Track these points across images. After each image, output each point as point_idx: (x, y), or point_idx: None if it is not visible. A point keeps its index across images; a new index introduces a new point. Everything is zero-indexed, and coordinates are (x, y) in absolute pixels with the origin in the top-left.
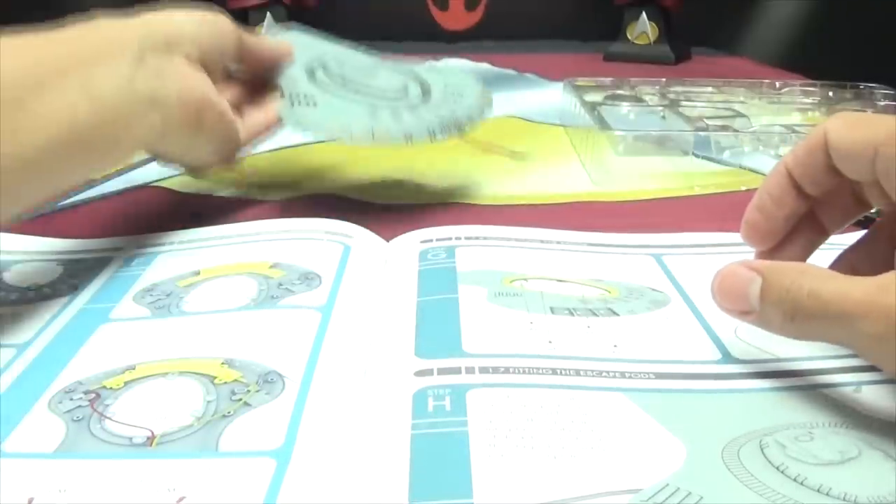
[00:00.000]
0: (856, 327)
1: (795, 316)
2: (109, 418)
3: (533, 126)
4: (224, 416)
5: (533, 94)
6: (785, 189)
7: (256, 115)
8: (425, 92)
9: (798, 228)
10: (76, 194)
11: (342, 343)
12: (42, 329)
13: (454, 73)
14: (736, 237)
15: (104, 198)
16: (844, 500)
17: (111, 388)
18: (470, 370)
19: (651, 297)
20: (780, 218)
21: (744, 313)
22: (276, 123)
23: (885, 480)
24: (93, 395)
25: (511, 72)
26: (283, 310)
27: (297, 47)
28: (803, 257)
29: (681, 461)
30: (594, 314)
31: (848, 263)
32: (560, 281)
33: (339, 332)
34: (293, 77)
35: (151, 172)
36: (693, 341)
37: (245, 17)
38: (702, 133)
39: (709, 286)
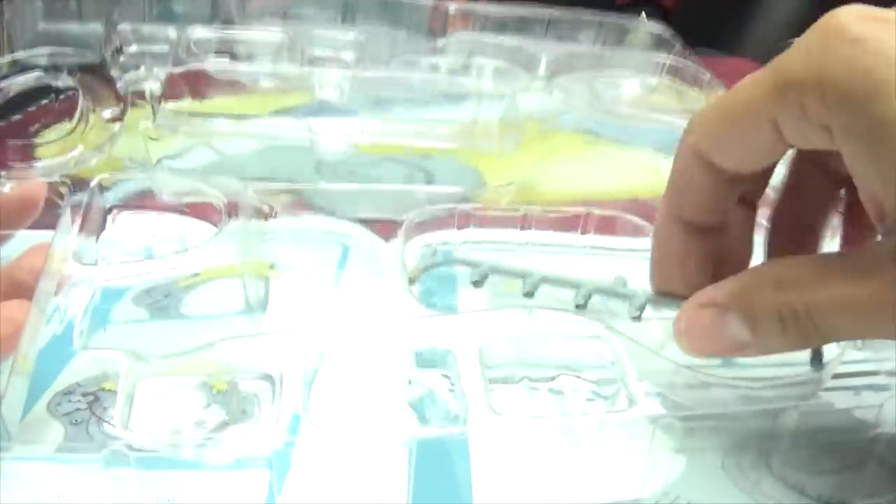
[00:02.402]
0: (875, 327)
1: (806, 336)
2: (108, 422)
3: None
4: (223, 420)
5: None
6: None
7: None
8: (428, 180)
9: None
10: None
11: (342, 346)
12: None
13: None
14: None
15: None
16: None
17: (110, 391)
18: None
19: (650, 300)
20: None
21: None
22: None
23: (885, 489)
24: (91, 398)
25: None
26: (283, 311)
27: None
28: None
29: (681, 469)
30: (593, 318)
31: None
32: (560, 284)
33: (339, 335)
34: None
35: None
36: None
37: None
38: None
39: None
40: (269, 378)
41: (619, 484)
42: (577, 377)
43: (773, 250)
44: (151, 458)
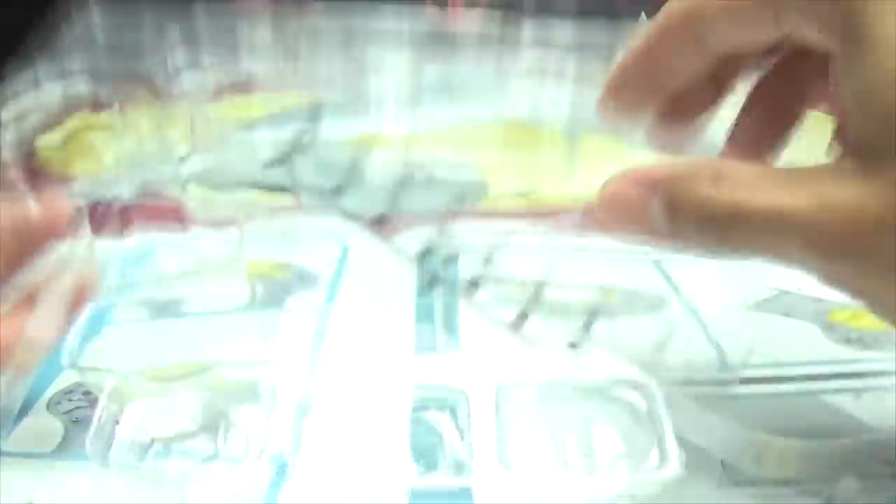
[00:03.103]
0: (793, 243)
1: (722, 239)
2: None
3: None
4: (224, 419)
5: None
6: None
7: None
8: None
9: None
10: None
11: (341, 345)
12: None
13: None
14: None
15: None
16: None
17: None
18: None
19: (649, 301)
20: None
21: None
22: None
23: (886, 487)
24: (92, 397)
25: None
26: (282, 311)
27: None
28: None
29: (679, 468)
30: (592, 319)
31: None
32: (558, 285)
33: (339, 335)
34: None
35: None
36: (692, 347)
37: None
38: None
39: (707, 290)
40: (271, 376)
41: (616, 482)
42: (608, 428)
43: (728, 145)
44: (153, 455)
